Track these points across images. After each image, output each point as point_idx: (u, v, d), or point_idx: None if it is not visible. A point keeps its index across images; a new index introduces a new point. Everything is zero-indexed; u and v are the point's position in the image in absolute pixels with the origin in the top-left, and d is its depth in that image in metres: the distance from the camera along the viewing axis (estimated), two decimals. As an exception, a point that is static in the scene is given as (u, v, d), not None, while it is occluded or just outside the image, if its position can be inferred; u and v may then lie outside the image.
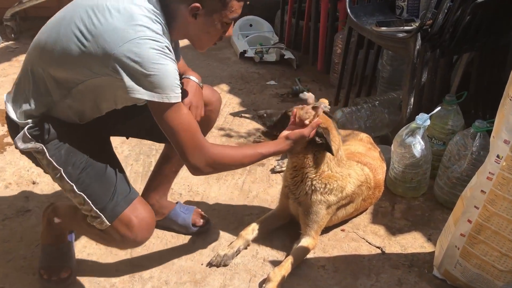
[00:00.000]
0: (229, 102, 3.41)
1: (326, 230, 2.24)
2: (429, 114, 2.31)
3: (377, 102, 2.94)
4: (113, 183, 1.67)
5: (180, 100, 1.51)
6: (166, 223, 2.22)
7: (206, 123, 1.99)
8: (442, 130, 2.50)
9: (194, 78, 1.87)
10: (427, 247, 2.17)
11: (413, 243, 2.20)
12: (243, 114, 3.26)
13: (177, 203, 2.25)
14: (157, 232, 2.22)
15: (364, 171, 2.17)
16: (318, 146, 1.94)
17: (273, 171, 2.67)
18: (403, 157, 2.38)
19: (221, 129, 3.08)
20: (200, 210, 2.28)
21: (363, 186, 2.14)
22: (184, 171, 2.44)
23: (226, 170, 1.70)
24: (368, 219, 2.33)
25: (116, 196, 1.66)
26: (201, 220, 2.22)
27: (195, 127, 1.56)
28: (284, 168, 2.62)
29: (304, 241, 2.07)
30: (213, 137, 2.98)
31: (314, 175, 2.02)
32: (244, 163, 1.76)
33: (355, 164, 2.16)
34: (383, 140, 2.91)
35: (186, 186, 2.54)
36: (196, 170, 1.60)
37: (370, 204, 2.31)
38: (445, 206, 2.40)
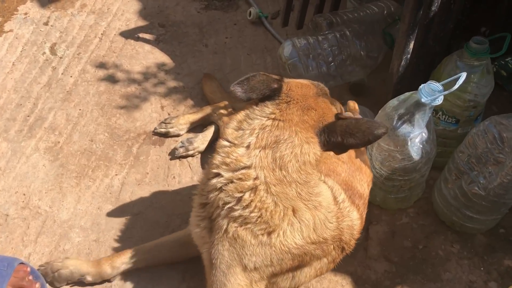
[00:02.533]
0: (121, 11, 2.17)
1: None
2: (444, 82, 1.25)
3: (349, 29, 1.81)
4: None
5: None
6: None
7: None
8: (458, 100, 1.46)
9: None
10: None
11: (399, 317, 1.31)
12: (141, 35, 2.07)
13: (-18, 257, 1.23)
14: None
15: (345, 221, 1.13)
16: None
17: (173, 155, 1.62)
18: (390, 156, 1.38)
19: (101, 65, 1.91)
20: (28, 267, 1.27)
21: (333, 244, 1.14)
22: (21, 166, 1.43)
23: None
24: (326, 262, 1.40)
25: None
26: (26, 294, 1.22)
27: None
28: (193, 152, 1.59)
29: None
30: (86, 82, 1.83)
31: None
32: None
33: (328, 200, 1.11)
34: (354, 90, 1.86)
35: (20, 195, 1.47)
36: None
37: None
38: (451, 229, 1.48)
